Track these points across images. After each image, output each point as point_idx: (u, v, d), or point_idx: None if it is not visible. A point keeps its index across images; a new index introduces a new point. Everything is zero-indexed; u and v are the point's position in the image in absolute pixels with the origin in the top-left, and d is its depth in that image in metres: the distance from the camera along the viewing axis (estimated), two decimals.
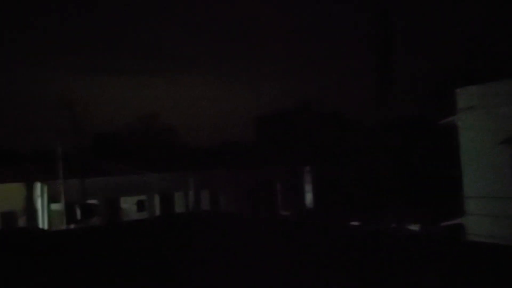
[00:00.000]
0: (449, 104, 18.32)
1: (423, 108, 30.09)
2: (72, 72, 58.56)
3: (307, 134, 33.09)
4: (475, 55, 29.17)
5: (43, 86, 54.05)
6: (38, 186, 24.60)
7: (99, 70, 60.81)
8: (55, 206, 24.45)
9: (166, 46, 68.44)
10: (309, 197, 32.02)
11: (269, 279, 8.43)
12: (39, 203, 24.55)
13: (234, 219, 19.27)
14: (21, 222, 23.78)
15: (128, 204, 27.32)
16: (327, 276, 8.46)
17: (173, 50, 68.22)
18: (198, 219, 19.20)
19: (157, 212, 27.85)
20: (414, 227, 16.32)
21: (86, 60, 64.14)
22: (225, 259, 10.46)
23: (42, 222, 24.43)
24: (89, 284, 9.02)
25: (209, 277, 8.78)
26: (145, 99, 56.70)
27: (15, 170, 24.79)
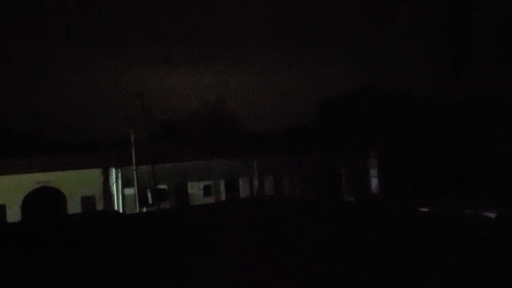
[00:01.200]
0: None
1: (501, 86, 28.01)
2: (141, 62, 61.27)
3: (372, 116, 32.07)
4: None
5: (116, 77, 57.15)
6: (113, 172, 26.22)
7: (166, 59, 62.99)
8: (128, 191, 26.02)
9: (230, 33, 69.25)
10: (374, 182, 31.20)
11: (335, 266, 8.38)
12: (115, 188, 26.18)
13: (298, 205, 19.34)
14: (99, 205, 25.52)
15: (195, 189, 28.32)
16: (386, 262, 8.25)
17: (236, 37, 68.87)
18: (263, 204, 19.45)
19: (223, 197, 28.60)
20: (490, 214, 15.38)
21: (154, 50, 66.72)
22: (287, 244, 10.53)
23: (117, 205, 26.08)
24: (170, 262, 9.53)
25: (278, 260, 8.90)
26: (209, 86, 57.99)
27: (93, 157, 26.55)
